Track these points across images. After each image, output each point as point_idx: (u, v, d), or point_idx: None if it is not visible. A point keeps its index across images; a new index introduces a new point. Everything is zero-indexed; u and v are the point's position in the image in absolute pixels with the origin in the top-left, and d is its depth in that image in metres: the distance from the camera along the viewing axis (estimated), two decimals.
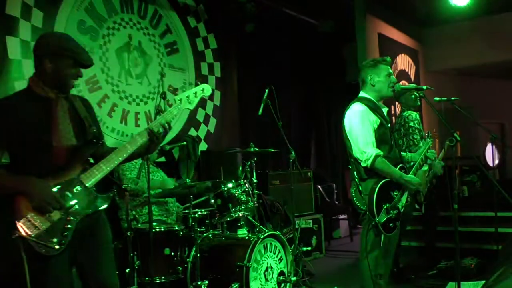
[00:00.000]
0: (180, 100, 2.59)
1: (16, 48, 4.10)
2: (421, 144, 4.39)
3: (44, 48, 2.36)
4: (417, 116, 5.01)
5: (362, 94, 3.39)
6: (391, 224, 3.16)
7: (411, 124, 4.91)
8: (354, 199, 3.27)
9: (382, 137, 3.25)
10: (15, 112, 2.27)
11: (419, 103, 5.16)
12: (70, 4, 4.57)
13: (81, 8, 4.68)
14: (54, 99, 2.35)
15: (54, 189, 2.24)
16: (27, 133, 2.26)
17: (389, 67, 3.42)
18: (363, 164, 3.18)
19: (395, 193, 3.21)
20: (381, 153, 3.17)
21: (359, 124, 3.21)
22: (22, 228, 2.14)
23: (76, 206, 2.28)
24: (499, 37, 8.04)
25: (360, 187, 3.19)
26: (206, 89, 2.65)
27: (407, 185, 3.25)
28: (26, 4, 4.20)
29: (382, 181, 3.15)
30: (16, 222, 2.14)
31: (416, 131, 4.88)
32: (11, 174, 2.25)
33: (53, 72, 2.33)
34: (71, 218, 2.26)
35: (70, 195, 2.27)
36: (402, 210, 3.24)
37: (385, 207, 3.13)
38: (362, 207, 3.19)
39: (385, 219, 3.11)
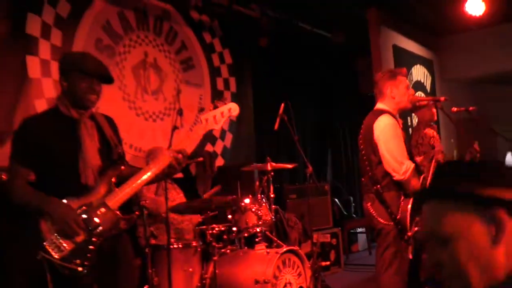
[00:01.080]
0: (207, 120, 2.54)
1: (36, 67, 4.17)
2: None
3: (60, 67, 2.41)
4: (434, 133, 4.94)
5: (380, 106, 3.34)
6: (418, 235, 3.11)
7: (424, 138, 4.85)
8: (372, 212, 3.21)
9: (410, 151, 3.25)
10: (41, 132, 2.29)
11: (436, 118, 5.10)
12: (88, 23, 4.64)
13: (98, 27, 4.75)
14: (78, 118, 2.36)
15: (79, 211, 2.24)
16: (52, 153, 2.28)
17: (406, 79, 3.40)
18: (398, 177, 3.10)
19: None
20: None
21: (392, 137, 3.16)
22: (48, 249, 2.15)
23: (100, 228, 2.27)
24: None
25: (384, 199, 3.13)
26: (233, 108, 2.59)
27: None
28: (45, 24, 4.27)
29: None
30: (44, 243, 2.15)
31: (428, 144, 4.83)
32: (38, 193, 2.26)
33: (69, 89, 2.35)
34: (95, 239, 2.26)
35: (94, 216, 2.27)
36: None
37: (415, 219, 3.09)
38: (381, 220, 3.15)
39: (414, 232, 3.07)
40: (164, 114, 5.35)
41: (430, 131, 4.91)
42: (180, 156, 2.41)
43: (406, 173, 3.08)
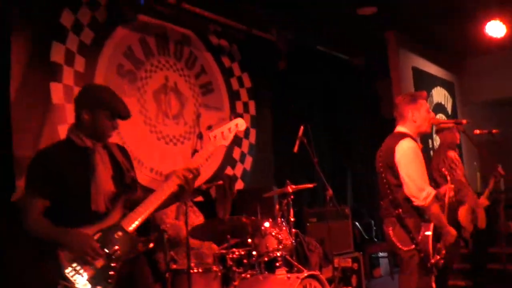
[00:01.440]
0: (215, 136, 2.57)
1: (60, 93, 4.25)
2: None
3: (83, 100, 2.45)
4: (456, 155, 4.88)
5: (401, 129, 3.32)
6: (440, 265, 3.05)
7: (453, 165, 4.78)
8: (392, 237, 3.16)
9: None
10: (55, 162, 2.34)
11: (459, 141, 5.04)
12: (110, 49, 4.74)
13: (120, 53, 4.85)
14: (92, 147, 2.41)
15: (95, 237, 2.26)
16: (66, 182, 2.32)
17: (426, 102, 3.38)
18: (418, 202, 3.07)
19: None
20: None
21: (414, 161, 3.14)
22: (68, 277, 2.16)
23: (118, 252, 2.29)
24: None
25: (405, 224, 3.08)
26: (240, 123, 2.61)
27: (444, 234, 3.13)
28: (69, 51, 4.37)
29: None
30: (64, 272, 2.16)
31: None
32: (52, 226, 2.30)
33: (91, 123, 2.41)
34: (114, 264, 2.27)
35: (111, 241, 2.29)
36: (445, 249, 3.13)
37: (437, 247, 3.04)
38: (402, 246, 3.09)
39: (437, 260, 3.01)
40: (184, 138, 5.39)
41: (452, 154, 4.84)
42: (188, 174, 2.42)
43: (426, 199, 3.05)
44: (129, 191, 2.45)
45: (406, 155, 3.16)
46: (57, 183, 2.31)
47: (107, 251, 2.25)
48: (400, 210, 3.10)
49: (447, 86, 8.34)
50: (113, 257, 2.27)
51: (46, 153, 2.43)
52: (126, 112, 2.49)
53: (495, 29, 5.67)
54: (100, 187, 2.36)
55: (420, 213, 3.10)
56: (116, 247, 2.28)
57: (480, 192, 5.34)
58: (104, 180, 2.38)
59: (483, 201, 4.67)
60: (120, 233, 2.31)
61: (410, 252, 3.07)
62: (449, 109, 8.30)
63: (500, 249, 3.76)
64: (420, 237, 3.03)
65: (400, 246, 3.10)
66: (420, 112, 3.27)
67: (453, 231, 3.15)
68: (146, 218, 2.39)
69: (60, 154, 2.39)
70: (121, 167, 2.49)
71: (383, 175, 3.25)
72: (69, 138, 2.44)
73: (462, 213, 4.63)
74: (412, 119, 3.28)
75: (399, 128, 3.34)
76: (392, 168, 3.19)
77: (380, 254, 7.35)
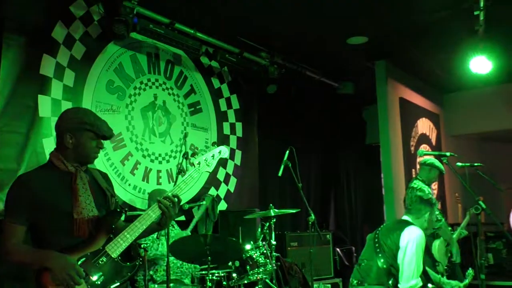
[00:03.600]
0: (199, 163, 2.61)
1: (47, 106, 4.24)
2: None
3: (64, 124, 2.43)
4: (429, 189, 4.95)
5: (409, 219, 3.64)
6: None
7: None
8: None
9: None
10: (36, 188, 2.30)
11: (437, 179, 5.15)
12: (100, 65, 4.76)
13: (110, 69, 4.87)
14: (74, 172, 2.39)
15: (79, 262, 2.24)
16: (48, 207, 2.29)
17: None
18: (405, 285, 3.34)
19: None
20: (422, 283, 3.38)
21: (418, 251, 3.37)
22: None
23: (102, 278, 2.27)
24: None
25: None
26: (223, 151, 2.69)
27: None
28: (59, 65, 4.38)
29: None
30: None
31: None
32: (33, 250, 2.28)
33: (74, 147, 2.39)
34: None
35: (96, 267, 2.27)
36: None
37: None
38: None
39: None
40: (170, 156, 5.39)
41: (424, 188, 4.92)
42: (169, 202, 2.44)
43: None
44: (113, 217, 2.43)
45: (412, 241, 3.45)
46: (38, 209, 2.28)
47: (90, 276, 2.23)
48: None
49: (433, 117, 8.47)
50: (97, 283, 2.25)
51: (26, 179, 2.37)
52: (110, 132, 2.49)
53: (480, 65, 5.79)
54: (83, 213, 2.33)
55: None
56: (100, 273, 2.26)
57: (460, 223, 5.40)
58: (86, 205, 2.36)
59: (460, 232, 4.72)
60: (104, 259, 2.30)
61: None
62: (433, 140, 8.41)
63: (479, 281, 3.79)
64: None
65: None
66: (432, 217, 3.68)
67: None
68: (131, 243, 2.38)
69: (41, 179, 2.35)
70: (104, 192, 2.48)
71: (380, 254, 3.56)
72: (51, 163, 2.41)
73: (436, 247, 4.68)
74: (424, 220, 3.64)
75: (407, 217, 3.72)
76: (393, 250, 3.51)
77: None
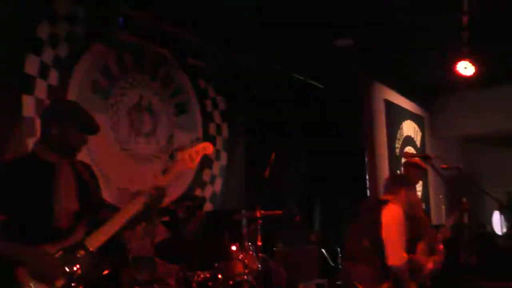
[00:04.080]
0: (183, 158, 2.59)
1: (31, 106, 4.18)
2: None
3: (51, 114, 2.42)
4: (415, 191, 5.01)
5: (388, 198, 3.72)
6: None
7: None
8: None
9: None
10: (16, 177, 2.27)
11: (419, 181, 5.20)
12: (85, 64, 4.71)
13: (95, 68, 4.82)
14: (56, 163, 2.37)
15: (56, 255, 2.21)
16: (26, 197, 2.26)
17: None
18: (393, 262, 3.40)
19: None
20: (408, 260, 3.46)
21: (398, 227, 3.48)
22: None
23: (80, 271, 2.24)
24: (505, 106, 8.17)
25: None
26: (207, 147, 2.67)
27: None
28: (44, 64, 4.33)
29: None
30: None
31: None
32: (9, 243, 2.23)
33: (59, 137, 2.37)
34: (75, 284, 2.21)
35: (73, 260, 2.24)
36: None
37: None
38: None
39: None
40: (155, 157, 5.36)
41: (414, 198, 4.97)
42: (154, 192, 2.42)
43: (401, 261, 3.43)
44: (94, 210, 2.41)
45: (392, 219, 3.57)
46: (16, 198, 2.24)
47: (67, 270, 2.19)
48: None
49: (417, 120, 8.55)
50: (74, 277, 2.21)
51: (5, 166, 2.36)
52: (95, 126, 2.48)
53: (464, 68, 5.87)
54: (63, 204, 2.30)
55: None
56: (78, 266, 2.23)
57: (444, 225, 5.45)
58: (67, 197, 2.33)
59: (445, 232, 4.76)
60: (82, 252, 2.26)
61: None
62: (418, 142, 8.49)
63: (463, 281, 3.86)
64: None
65: None
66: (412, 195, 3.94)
67: None
68: (110, 238, 2.35)
69: (21, 168, 2.32)
70: (86, 185, 2.46)
71: (363, 236, 3.68)
72: (34, 153, 2.39)
73: (419, 250, 4.72)
74: (404, 199, 3.75)
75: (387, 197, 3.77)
76: (376, 230, 3.60)
77: None
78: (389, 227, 3.50)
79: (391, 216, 3.56)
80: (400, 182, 3.91)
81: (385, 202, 3.69)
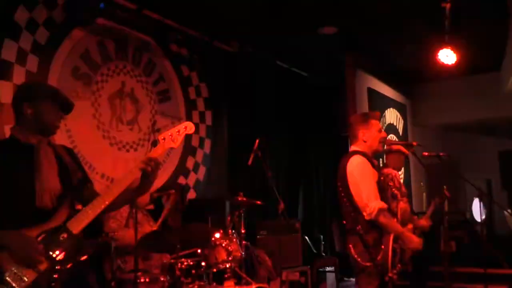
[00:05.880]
0: (164, 138, 2.56)
1: (9, 92, 4.08)
2: None
3: (23, 94, 2.39)
4: (397, 175, 5.06)
5: (354, 148, 3.41)
6: (395, 278, 3.13)
7: (390, 184, 4.94)
8: (354, 254, 3.20)
9: (379, 191, 3.26)
10: None
11: (402, 165, 5.25)
12: (65, 50, 4.63)
13: (76, 55, 4.74)
14: (36, 145, 2.34)
15: (39, 238, 2.18)
16: (8, 179, 2.22)
17: (379, 122, 3.47)
18: (366, 217, 3.15)
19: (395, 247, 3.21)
20: (385, 206, 3.18)
21: (361, 176, 3.21)
22: (9, 281, 2.06)
23: (63, 255, 2.21)
24: (484, 95, 8.28)
25: (365, 240, 3.13)
26: (189, 126, 2.62)
27: (406, 241, 3.23)
28: (22, 50, 4.24)
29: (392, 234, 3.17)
30: (4, 275, 2.07)
31: (395, 189, 4.93)
32: None
33: (34, 117, 2.34)
34: (58, 267, 2.19)
35: (56, 242, 2.21)
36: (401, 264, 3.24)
37: (396, 259, 3.12)
38: (363, 262, 3.14)
39: (393, 273, 3.08)
40: (138, 144, 5.31)
41: (389, 170, 5.00)
42: (151, 163, 2.39)
43: (371, 213, 3.12)
44: (77, 191, 2.38)
45: (353, 171, 3.25)
46: None
47: (51, 253, 2.17)
48: (360, 226, 3.15)
49: (400, 108, 8.62)
50: (57, 260, 2.19)
51: None
52: (69, 101, 2.45)
53: (446, 56, 5.92)
54: (46, 184, 2.27)
55: (379, 228, 3.18)
56: (60, 249, 2.21)
57: (424, 211, 5.53)
58: (49, 177, 2.30)
59: (426, 221, 4.82)
60: (65, 235, 2.23)
61: (369, 268, 3.13)
62: (400, 130, 8.56)
63: (443, 268, 3.90)
64: (381, 252, 3.11)
65: (361, 261, 3.15)
66: (371, 132, 3.35)
67: (414, 238, 3.26)
68: (94, 218, 2.32)
69: (1, 152, 2.29)
70: (67, 167, 2.42)
71: (342, 194, 3.30)
72: (13, 136, 2.35)
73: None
74: (363, 138, 3.35)
75: (352, 147, 3.42)
76: (347, 187, 3.26)
77: (327, 268, 7.44)
78: (352, 181, 3.21)
79: (351, 169, 3.25)
80: (355, 122, 3.44)
81: (348, 156, 3.35)
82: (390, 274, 3.03)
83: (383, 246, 3.12)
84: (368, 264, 3.10)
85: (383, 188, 3.38)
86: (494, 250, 3.75)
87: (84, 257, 2.31)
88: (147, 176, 2.43)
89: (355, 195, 3.22)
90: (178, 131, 2.57)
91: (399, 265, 3.14)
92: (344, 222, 3.33)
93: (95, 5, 4.47)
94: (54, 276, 2.17)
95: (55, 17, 4.52)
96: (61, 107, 2.42)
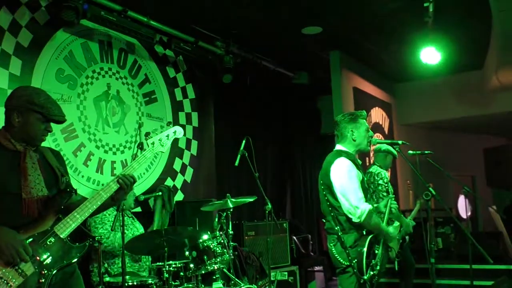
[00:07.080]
0: (153, 143, 2.57)
1: None
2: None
3: (14, 102, 2.36)
4: (386, 174, 5.11)
5: (340, 147, 3.40)
6: (374, 280, 3.14)
7: (381, 182, 4.99)
8: (335, 253, 3.20)
9: (363, 191, 3.27)
10: None
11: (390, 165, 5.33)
12: (49, 53, 4.58)
13: (60, 57, 4.70)
14: (22, 151, 2.32)
15: (26, 242, 2.17)
16: None
17: (365, 121, 3.49)
18: (354, 220, 3.14)
19: (377, 247, 3.21)
20: (373, 207, 3.19)
21: (348, 179, 3.19)
22: None
23: (50, 259, 2.21)
24: (468, 93, 8.38)
25: (343, 240, 3.15)
26: (178, 131, 2.66)
27: (388, 238, 3.28)
28: (4, 52, 4.19)
29: (370, 236, 3.16)
30: None
31: (385, 189, 4.98)
32: None
33: (21, 126, 2.33)
34: (45, 271, 2.18)
35: (43, 247, 2.21)
36: (380, 265, 3.23)
37: (372, 263, 3.12)
38: (344, 262, 3.14)
39: (370, 275, 3.09)
40: (124, 147, 5.28)
41: (382, 173, 5.05)
42: (126, 178, 2.42)
43: (362, 216, 3.13)
44: (64, 196, 2.37)
45: (339, 173, 3.24)
46: None
47: (38, 258, 2.16)
48: (339, 227, 3.17)
49: (385, 107, 8.67)
50: (44, 264, 2.18)
51: None
52: (61, 117, 2.42)
53: (430, 56, 5.97)
54: (32, 192, 2.26)
55: (360, 230, 3.18)
56: (48, 254, 2.20)
57: (411, 209, 5.58)
58: (36, 184, 2.29)
59: (410, 221, 4.88)
60: (52, 239, 2.23)
61: (347, 267, 3.14)
62: (386, 129, 8.62)
63: (428, 264, 3.96)
64: (356, 253, 3.11)
65: (340, 261, 3.16)
66: (359, 131, 3.37)
67: (394, 232, 3.32)
68: (80, 223, 2.32)
69: None
70: (54, 171, 2.41)
71: (324, 193, 3.30)
72: None
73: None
74: (352, 137, 3.36)
75: (338, 147, 3.43)
76: (330, 188, 3.26)
77: (316, 268, 7.47)
78: (338, 183, 3.18)
79: (337, 171, 3.21)
80: (343, 121, 3.40)
81: (333, 155, 3.31)
82: (365, 277, 3.05)
83: (359, 247, 3.13)
84: (347, 264, 3.12)
85: (366, 188, 3.42)
86: (479, 247, 3.78)
87: (72, 261, 2.30)
88: (121, 189, 2.45)
89: (341, 197, 3.20)
90: (167, 136, 2.60)
91: (377, 267, 3.15)
92: (324, 220, 3.34)
93: (79, 6, 4.43)
94: (41, 280, 2.15)
95: (38, 19, 4.48)
96: (52, 121, 2.40)
